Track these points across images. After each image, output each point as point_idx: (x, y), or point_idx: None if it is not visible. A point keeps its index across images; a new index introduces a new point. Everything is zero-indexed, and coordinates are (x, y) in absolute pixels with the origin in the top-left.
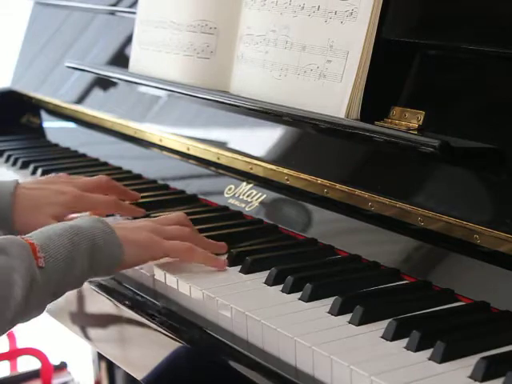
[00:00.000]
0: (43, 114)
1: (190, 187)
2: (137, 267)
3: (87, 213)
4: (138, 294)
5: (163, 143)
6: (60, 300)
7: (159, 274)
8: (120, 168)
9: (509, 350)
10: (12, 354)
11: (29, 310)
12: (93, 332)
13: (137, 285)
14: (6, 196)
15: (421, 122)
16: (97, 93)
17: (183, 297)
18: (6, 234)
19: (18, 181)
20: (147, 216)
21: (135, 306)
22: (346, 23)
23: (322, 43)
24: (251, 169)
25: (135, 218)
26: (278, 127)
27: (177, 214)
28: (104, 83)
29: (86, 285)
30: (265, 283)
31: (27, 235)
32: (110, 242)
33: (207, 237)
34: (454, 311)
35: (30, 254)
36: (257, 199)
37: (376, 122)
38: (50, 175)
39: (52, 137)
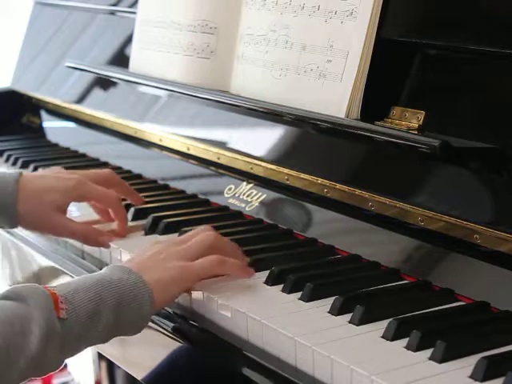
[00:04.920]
0: (43, 114)
1: (190, 187)
2: None
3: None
4: None
5: (163, 143)
6: None
7: None
8: (120, 168)
9: (509, 350)
10: None
11: (46, 362)
12: None
13: None
14: (11, 183)
15: (421, 122)
16: (97, 93)
17: (183, 297)
18: (9, 223)
19: (22, 172)
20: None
21: None
22: (346, 23)
23: (322, 43)
24: (251, 169)
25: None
26: (278, 127)
27: (208, 234)
28: (104, 83)
29: None
30: (265, 283)
31: (51, 286)
32: (139, 296)
33: None
34: (454, 311)
35: (51, 303)
36: (257, 199)
37: (376, 122)
38: (54, 167)
39: (52, 137)
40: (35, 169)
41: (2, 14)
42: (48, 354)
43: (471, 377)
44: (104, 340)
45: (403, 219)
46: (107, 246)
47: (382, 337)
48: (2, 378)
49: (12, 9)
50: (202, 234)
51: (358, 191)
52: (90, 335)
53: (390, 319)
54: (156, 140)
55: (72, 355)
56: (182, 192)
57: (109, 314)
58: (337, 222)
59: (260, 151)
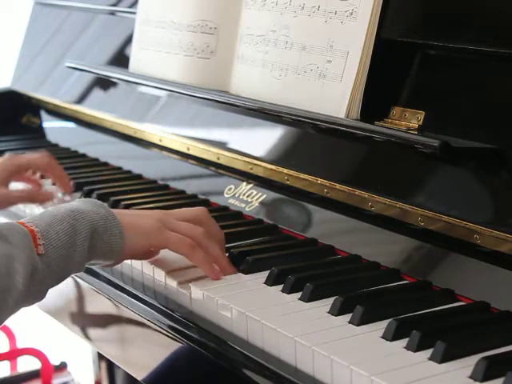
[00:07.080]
0: (43, 114)
1: (190, 187)
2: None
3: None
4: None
5: (163, 143)
6: (60, 300)
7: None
8: (120, 168)
9: (509, 350)
10: (12, 354)
11: (30, 296)
12: (93, 332)
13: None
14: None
15: (421, 122)
16: (97, 93)
17: (183, 297)
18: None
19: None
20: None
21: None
22: (346, 23)
23: (322, 43)
24: (251, 169)
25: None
26: (278, 127)
27: (198, 209)
28: (104, 83)
29: (85, 285)
30: (265, 283)
31: (27, 220)
32: (110, 228)
33: None
34: (454, 311)
35: (31, 241)
36: (257, 199)
37: (376, 122)
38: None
39: (52, 137)
40: None
41: (2, 14)
42: (32, 289)
43: (471, 377)
44: (81, 269)
45: (403, 219)
46: (52, 197)
47: (382, 337)
48: None
49: (12, 8)
50: (196, 220)
51: (357, 191)
52: (67, 266)
53: (390, 319)
54: (156, 140)
55: (54, 286)
56: (182, 192)
57: (84, 245)
58: (337, 222)
59: (260, 151)
